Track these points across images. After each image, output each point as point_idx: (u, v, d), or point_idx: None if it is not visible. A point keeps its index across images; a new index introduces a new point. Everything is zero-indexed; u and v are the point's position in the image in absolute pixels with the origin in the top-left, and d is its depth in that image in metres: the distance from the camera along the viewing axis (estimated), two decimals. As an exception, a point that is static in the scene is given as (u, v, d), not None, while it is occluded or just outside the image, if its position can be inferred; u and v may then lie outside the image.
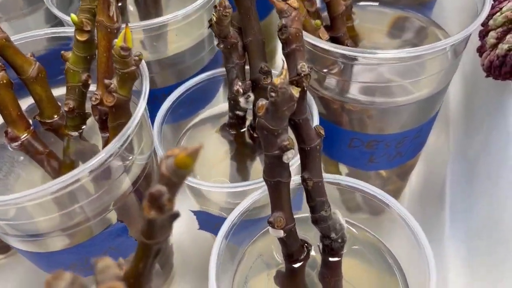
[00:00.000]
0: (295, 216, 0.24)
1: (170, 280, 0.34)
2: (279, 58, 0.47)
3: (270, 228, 0.21)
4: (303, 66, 0.19)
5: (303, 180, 0.21)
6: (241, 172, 0.30)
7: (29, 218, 0.22)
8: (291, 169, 0.20)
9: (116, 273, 0.15)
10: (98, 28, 0.23)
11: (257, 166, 0.30)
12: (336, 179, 0.23)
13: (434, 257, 0.31)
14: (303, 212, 0.24)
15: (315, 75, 0.28)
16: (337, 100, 0.28)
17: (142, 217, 0.14)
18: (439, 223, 0.31)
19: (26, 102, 0.27)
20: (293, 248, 0.22)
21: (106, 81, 0.22)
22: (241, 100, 0.28)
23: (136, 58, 0.22)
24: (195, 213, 0.27)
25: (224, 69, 0.28)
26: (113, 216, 0.24)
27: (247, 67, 0.28)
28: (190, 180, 0.25)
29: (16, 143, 0.26)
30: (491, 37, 0.25)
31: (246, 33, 0.26)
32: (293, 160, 0.21)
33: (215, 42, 0.26)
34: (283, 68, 0.18)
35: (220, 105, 0.34)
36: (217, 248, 0.21)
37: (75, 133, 0.26)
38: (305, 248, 0.23)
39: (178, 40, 0.31)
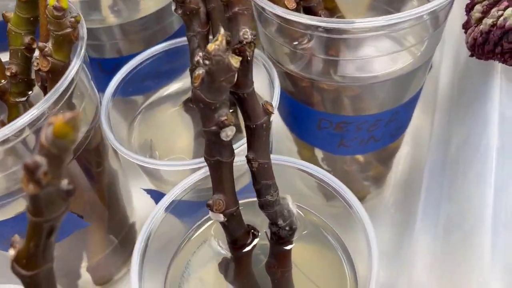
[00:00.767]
0: (246, 200, 0.22)
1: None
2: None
3: (210, 211, 0.19)
4: (245, 33, 0.17)
5: (248, 161, 0.19)
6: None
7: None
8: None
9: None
10: (38, -14, 0.21)
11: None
12: (285, 160, 0.21)
13: (404, 250, 0.29)
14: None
15: (284, 49, 0.26)
16: (305, 77, 0.25)
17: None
18: (415, 215, 0.28)
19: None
20: (236, 234, 0.20)
21: (41, 44, 0.20)
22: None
23: (73, 19, 0.20)
24: (148, 191, 0.26)
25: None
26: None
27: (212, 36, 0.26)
28: (129, 155, 0.23)
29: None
30: (477, 11, 0.22)
31: (209, -2, 0.24)
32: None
33: (173, 7, 0.24)
34: (219, 33, 0.16)
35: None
36: (151, 219, 0.20)
37: (22, 99, 0.25)
38: (251, 235, 0.21)
39: (144, 2, 0.29)
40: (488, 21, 0.21)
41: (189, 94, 0.29)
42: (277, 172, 0.19)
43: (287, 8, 0.24)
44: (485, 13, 0.22)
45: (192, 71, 0.27)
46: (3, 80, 0.25)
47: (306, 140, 0.29)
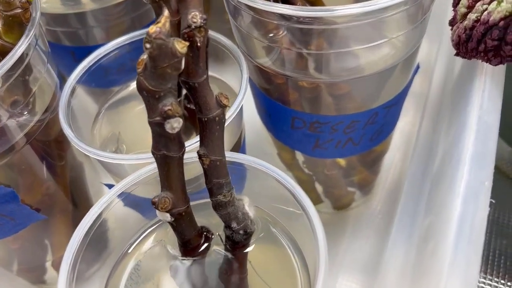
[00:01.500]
0: (207, 200, 0.21)
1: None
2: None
3: (156, 210, 0.18)
4: (194, 16, 0.16)
5: (199, 157, 0.18)
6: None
7: None
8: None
9: None
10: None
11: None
12: (240, 158, 0.19)
13: (382, 260, 0.27)
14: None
15: (258, 43, 0.24)
16: (279, 73, 0.24)
17: None
18: (393, 223, 0.27)
19: None
20: (186, 236, 0.19)
21: (-11, 24, 0.19)
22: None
23: (24, 0, 0.19)
24: (110, 186, 0.25)
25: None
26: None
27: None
28: (82, 147, 0.22)
29: None
30: (462, 5, 0.21)
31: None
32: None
33: (141, -7, 0.23)
34: (162, 14, 0.15)
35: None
36: (99, 207, 0.18)
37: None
38: (203, 237, 0.20)
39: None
40: (472, 16, 0.19)
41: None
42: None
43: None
44: (471, 7, 0.20)
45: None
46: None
47: (281, 140, 0.27)
